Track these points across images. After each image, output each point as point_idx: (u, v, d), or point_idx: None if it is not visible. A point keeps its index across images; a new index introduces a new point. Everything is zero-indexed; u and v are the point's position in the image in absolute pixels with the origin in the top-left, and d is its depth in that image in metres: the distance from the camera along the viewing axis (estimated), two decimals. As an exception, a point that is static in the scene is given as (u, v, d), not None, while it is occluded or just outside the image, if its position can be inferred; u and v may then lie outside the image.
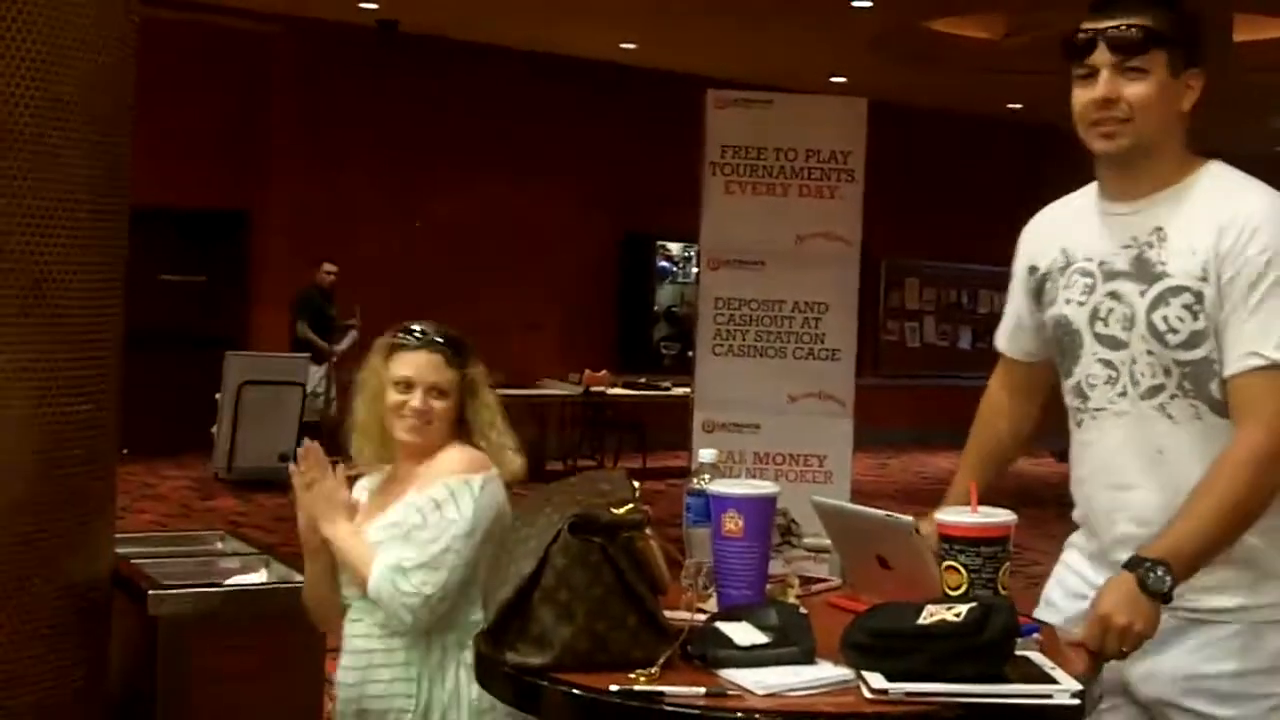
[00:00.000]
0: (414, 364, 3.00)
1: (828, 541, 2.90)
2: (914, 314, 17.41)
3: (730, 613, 2.38)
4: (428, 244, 13.60)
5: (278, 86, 13.21)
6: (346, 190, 13.30)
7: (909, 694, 2.06)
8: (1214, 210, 2.46)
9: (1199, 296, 2.43)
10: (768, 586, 2.59)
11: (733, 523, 2.52)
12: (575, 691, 2.15)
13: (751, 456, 7.66)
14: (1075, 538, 2.75)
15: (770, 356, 7.98)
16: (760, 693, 2.09)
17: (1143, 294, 2.48)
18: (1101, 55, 2.48)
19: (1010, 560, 2.36)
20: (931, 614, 2.15)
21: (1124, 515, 2.55)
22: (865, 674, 2.11)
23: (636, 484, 2.48)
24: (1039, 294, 2.71)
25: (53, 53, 3.43)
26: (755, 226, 7.95)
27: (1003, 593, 2.33)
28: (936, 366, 16.93)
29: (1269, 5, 10.98)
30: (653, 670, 2.16)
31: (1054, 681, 2.13)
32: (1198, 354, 2.45)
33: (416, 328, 3.07)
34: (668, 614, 2.33)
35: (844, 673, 2.14)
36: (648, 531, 2.38)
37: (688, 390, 9.05)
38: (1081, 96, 2.53)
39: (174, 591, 3.75)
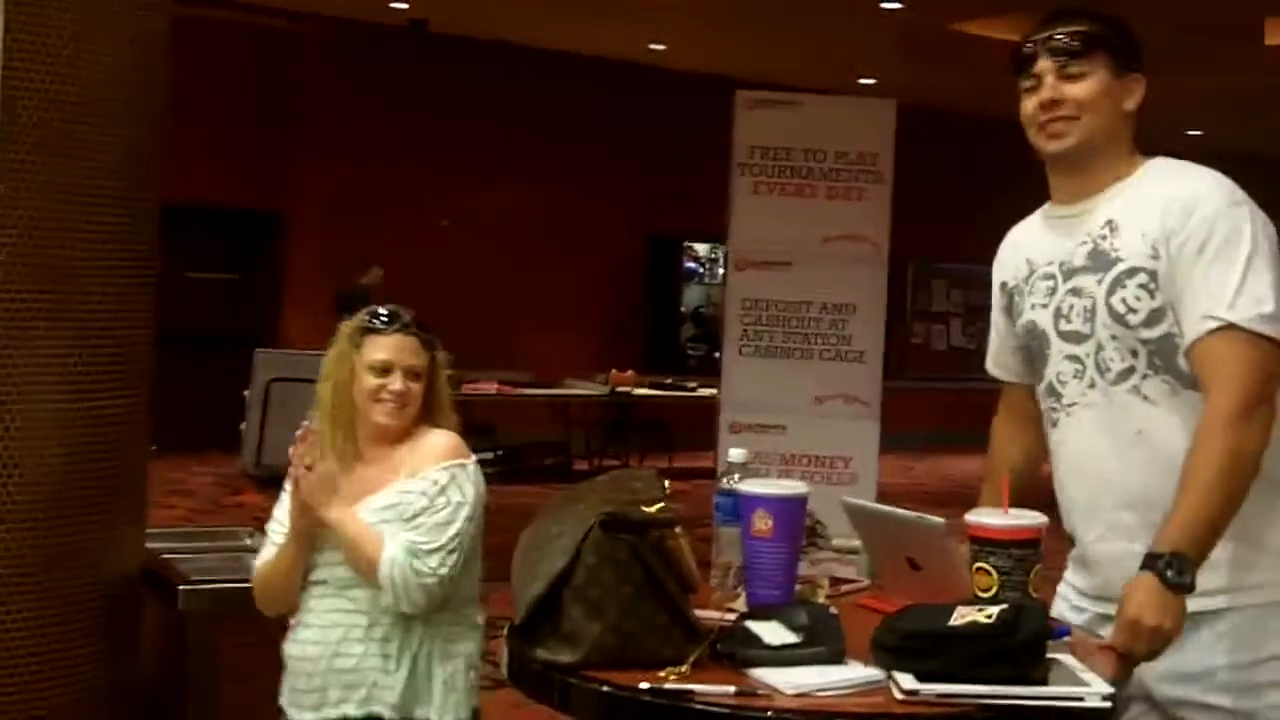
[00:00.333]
0: (391, 347, 3.04)
1: (855, 542, 2.90)
2: (941, 316, 17.36)
3: (760, 612, 2.38)
4: (456, 243, 13.62)
5: (309, 86, 13.26)
6: (377, 189, 13.33)
7: (940, 695, 2.05)
8: (1159, 193, 2.54)
9: (1153, 275, 2.49)
10: (797, 587, 2.59)
11: (763, 522, 2.52)
12: (605, 689, 2.15)
13: (778, 457, 7.65)
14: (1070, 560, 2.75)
15: (797, 358, 7.97)
16: (790, 692, 2.09)
17: (1100, 282, 2.55)
18: (1044, 63, 2.63)
19: (1041, 563, 2.36)
20: (963, 615, 2.14)
21: (1110, 502, 2.57)
22: (896, 675, 2.10)
23: (667, 483, 2.48)
24: (1010, 309, 2.80)
25: (84, 50, 3.45)
26: (783, 227, 7.94)
27: (1033, 595, 2.32)
28: (963, 369, 16.82)
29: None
30: (683, 669, 2.16)
31: (1085, 684, 2.12)
32: (1159, 330, 2.49)
33: (385, 312, 3.11)
34: (697, 613, 2.33)
35: (874, 673, 2.14)
36: (678, 530, 2.38)
37: (714, 391, 9.04)
38: (1028, 103, 2.67)
39: (203, 587, 3.77)
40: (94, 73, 3.47)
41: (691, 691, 2.09)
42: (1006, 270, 2.83)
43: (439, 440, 3.06)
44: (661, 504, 2.34)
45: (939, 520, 2.49)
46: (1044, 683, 2.09)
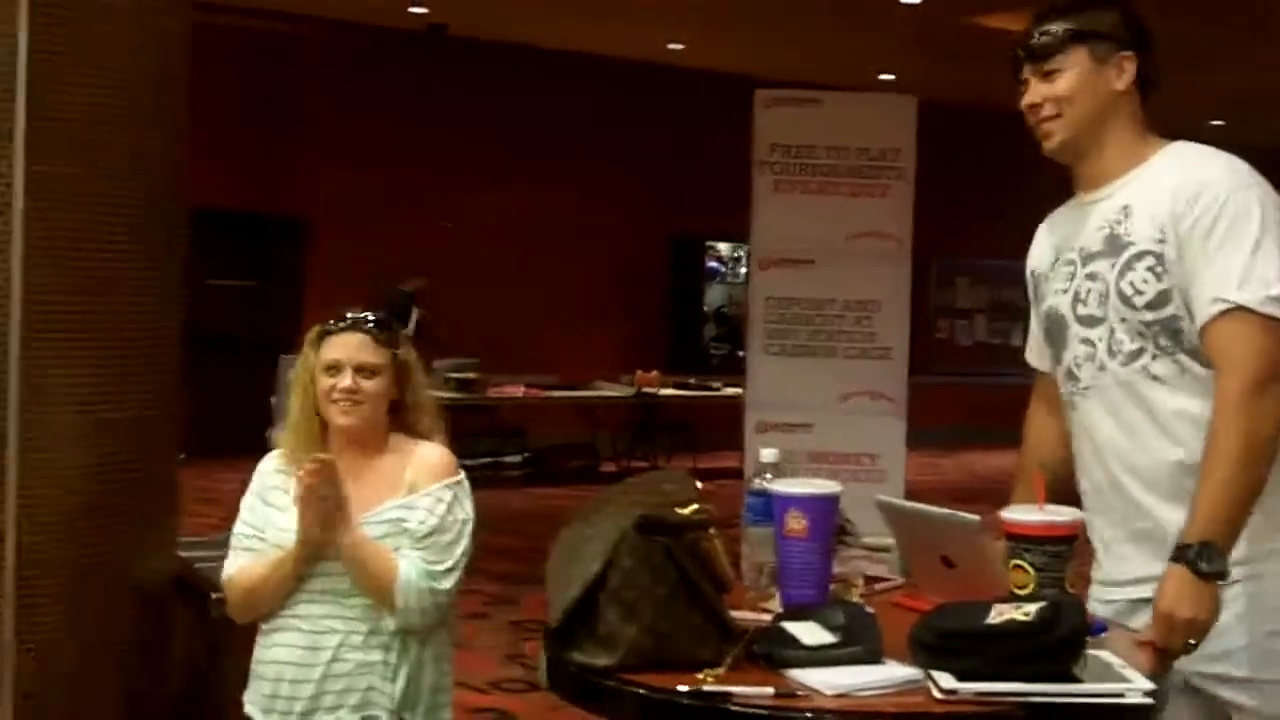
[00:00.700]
0: (341, 346, 3.03)
1: (887, 540, 2.89)
2: (965, 312, 17.31)
3: (796, 612, 2.37)
4: (477, 247, 13.64)
5: (327, 91, 13.29)
6: (396, 192, 13.36)
7: (979, 694, 2.04)
8: (1170, 178, 2.56)
9: (1160, 258, 2.51)
10: (831, 586, 2.58)
11: (796, 522, 2.51)
12: (642, 692, 2.14)
13: (804, 456, 7.63)
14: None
15: (822, 356, 7.95)
16: (829, 693, 2.08)
17: (1113, 266, 2.58)
18: (1026, 67, 2.69)
19: (1076, 559, 2.34)
20: (1000, 613, 2.13)
21: (1132, 482, 2.59)
22: (934, 674, 2.09)
23: (700, 484, 2.47)
24: (1039, 297, 2.83)
25: (108, 59, 3.47)
26: (805, 225, 7.92)
27: (1070, 591, 2.31)
28: (988, 364, 16.81)
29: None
30: (720, 670, 2.16)
31: (1126, 680, 2.11)
32: (1165, 313, 2.51)
33: (344, 313, 3.09)
34: (732, 614, 2.32)
35: (913, 672, 2.13)
36: (712, 531, 2.37)
37: (738, 391, 9.03)
38: (1023, 108, 2.72)
39: (236, 594, 3.76)
40: (117, 82, 3.48)
41: (730, 693, 2.08)
42: (1035, 259, 2.87)
43: (435, 455, 3.05)
44: (695, 505, 2.33)
45: (973, 517, 2.48)
46: (1084, 680, 2.08)
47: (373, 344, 3.03)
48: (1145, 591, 2.47)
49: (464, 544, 2.99)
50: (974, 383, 16.26)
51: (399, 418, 3.09)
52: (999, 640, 2.08)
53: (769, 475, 2.70)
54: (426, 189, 13.51)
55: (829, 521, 2.54)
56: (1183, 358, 2.51)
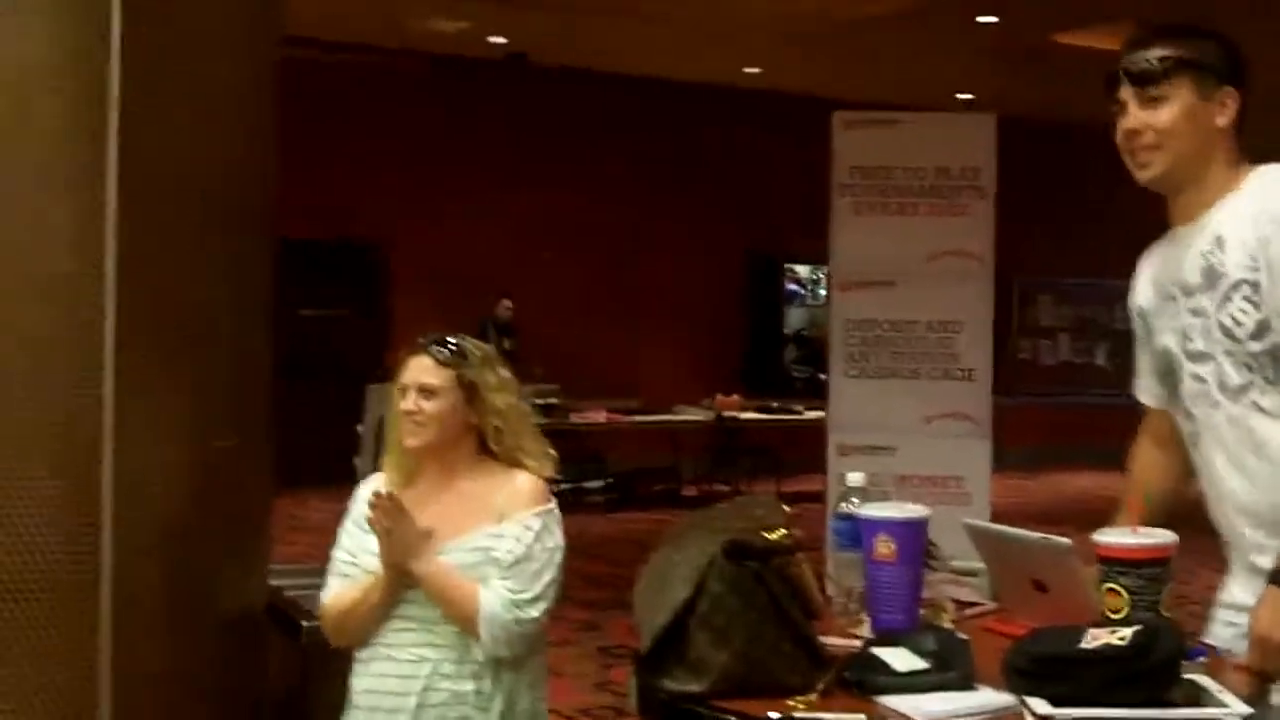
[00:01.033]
0: (409, 368, 3.06)
1: (976, 564, 2.87)
2: (1048, 331, 17.14)
3: (886, 637, 2.36)
4: (559, 273, 13.71)
5: (413, 121, 13.43)
6: (482, 220, 13.46)
7: None
8: (1254, 203, 2.51)
9: (1255, 286, 2.47)
10: (921, 611, 2.56)
11: (885, 547, 2.50)
12: (733, 718, 2.15)
13: (888, 479, 7.58)
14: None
15: (904, 377, 7.91)
16: (922, 719, 2.07)
17: (1212, 299, 2.54)
18: (1125, 89, 2.60)
19: (1172, 582, 2.32)
20: (1095, 638, 2.11)
21: (1237, 518, 2.56)
22: (1029, 699, 2.08)
23: (788, 508, 2.47)
24: (1148, 334, 2.78)
25: (202, 96, 3.53)
26: (885, 247, 7.89)
27: (1165, 615, 2.28)
28: (1072, 384, 16.64)
29: None
30: (811, 697, 2.15)
31: (1223, 705, 2.08)
32: (1267, 342, 2.46)
33: (421, 338, 3.12)
34: (821, 639, 2.32)
35: (1006, 698, 2.11)
36: (800, 556, 2.37)
37: (820, 414, 8.99)
38: (1117, 130, 2.65)
39: (327, 622, 3.80)
40: (209, 117, 3.55)
41: None
42: (1139, 296, 2.82)
43: (525, 483, 3.05)
44: (784, 530, 2.33)
45: (1065, 541, 2.46)
46: (1181, 705, 2.05)
47: (433, 365, 3.05)
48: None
49: (551, 573, 2.98)
50: (1058, 403, 16.10)
51: (488, 442, 3.09)
52: (1094, 665, 2.06)
53: (856, 499, 2.69)
54: (508, 216, 13.61)
55: (917, 545, 2.53)
56: None
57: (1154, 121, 2.57)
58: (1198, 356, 2.59)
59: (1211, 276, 2.54)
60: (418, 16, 11.85)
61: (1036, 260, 15.51)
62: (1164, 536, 2.33)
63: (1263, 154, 2.62)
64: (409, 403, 3.02)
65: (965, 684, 2.16)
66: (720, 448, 13.14)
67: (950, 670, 2.18)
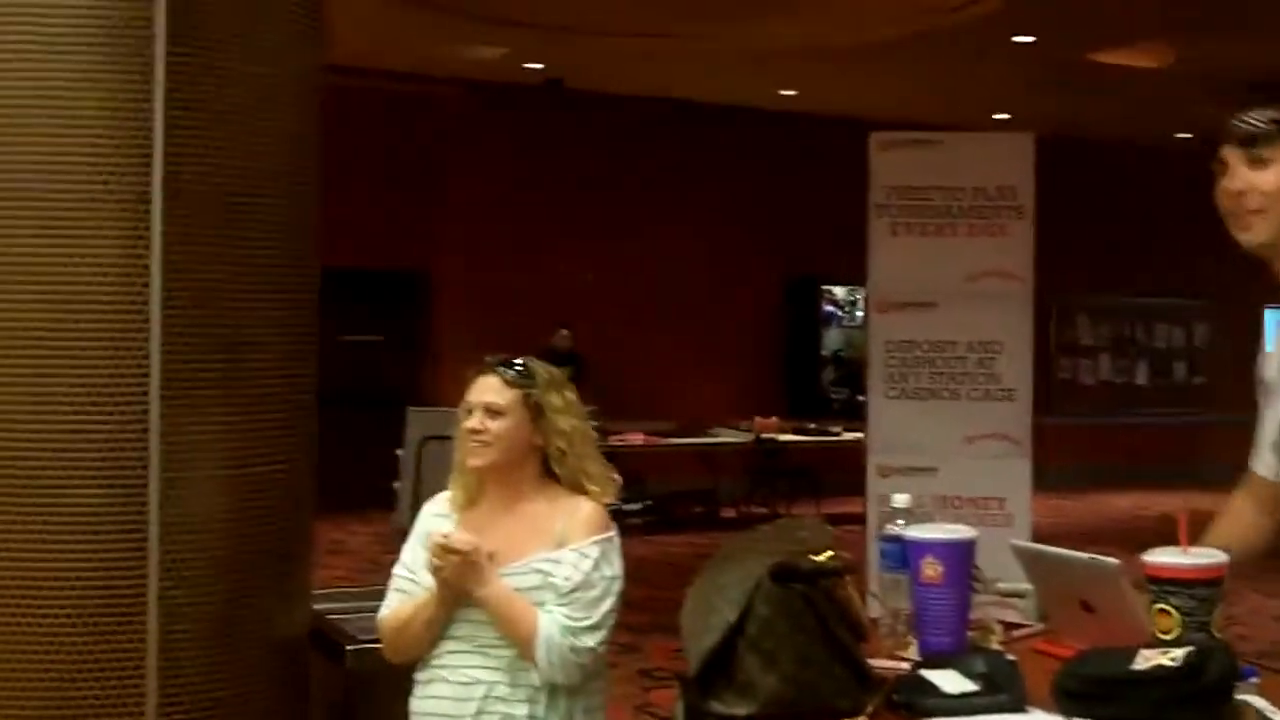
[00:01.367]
0: (475, 388, 3.07)
1: (1023, 586, 2.85)
2: (1088, 350, 17.05)
3: (934, 660, 2.35)
4: (597, 296, 13.74)
5: (447, 147, 13.50)
6: (517, 244, 13.51)
7: (1127, 741, 2.01)
8: None
9: None
10: (969, 633, 2.55)
11: (932, 569, 2.49)
12: (780, 741, 2.14)
13: (929, 500, 7.55)
14: None
15: (944, 398, 7.88)
16: (974, 741, 2.06)
17: None
18: (1230, 149, 2.54)
19: (1224, 602, 2.29)
20: (1147, 659, 2.09)
21: None
22: (1080, 721, 2.06)
23: (833, 530, 2.46)
24: (1270, 406, 2.68)
25: (247, 124, 3.56)
26: (924, 267, 7.87)
27: (1217, 636, 2.26)
28: (1113, 403, 16.54)
29: None
30: (860, 719, 2.14)
31: (1278, 726, 2.06)
32: None
33: (489, 358, 3.12)
34: (872, 661, 2.31)
35: (1057, 720, 2.10)
36: (847, 578, 2.36)
37: (858, 435, 8.97)
38: (1218, 190, 2.58)
39: (370, 646, 3.80)
40: (252, 145, 3.58)
41: (871, 742, 2.07)
42: (1264, 367, 2.72)
43: (586, 509, 3.04)
44: (830, 552, 2.33)
45: (1113, 561, 2.44)
46: (1236, 726, 2.04)
47: (500, 385, 3.05)
48: None
49: (610, 602, 2.97)
50: (1099, 422, 16.01)
51: (551, 465, 3.09)
52: (1146, 686, 2.04)
53: (902, 521, 2.68)
54: (547, 241, 13.66)
55: (965, 567, 2.52)
56: None
57: (1260, 183, 2.50)
58: None
59: None
60: (456, 44, 11.92)
61: (1075, 279, 15.44)
62: (1216, 557, 2.31)
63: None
64: (474, 422, 3.03)
65: (1017, 706, 2.14)
66: (759, 469, 13.12)
67: (1001, 692, 2.17)
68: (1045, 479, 8.83)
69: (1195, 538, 2.63)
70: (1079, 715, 2.08)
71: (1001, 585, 2.90)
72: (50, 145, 3.36)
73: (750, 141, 14.57)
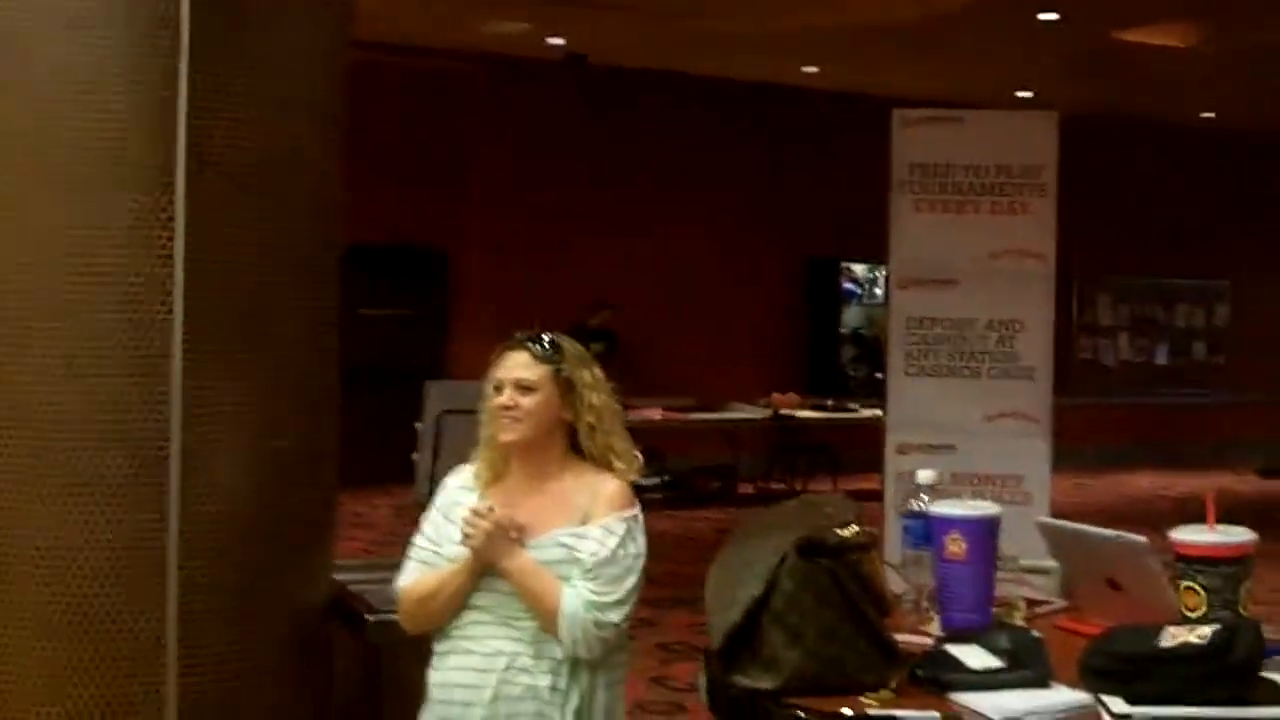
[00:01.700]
0: (505, 364, 3.06)
1: (1046, 563, 2.85)
2: (1109, 330, 16.98)
3: (959, 635, 2.35)
4: (618, 272, 13.71)
5: (471, 123, 13.47)
6: (539, 221, 13.49)
7: (1154, 718, 2.00)
8: None
9: None
10: (993, 609, 2.55)
11: (956, 545, 2.49)
12: (805, 715, 2.14)
13: (947, 478, 7.51)
14: None
15: (964, 376, 7.84)
16: (997, 717, 2.06)
17: None
18: None
19: (1250, 580, 2.29)
20: (1174, 636, 2.09)
21: None
22: (1105, 698, 2.06)
23: (858, 505, 2.46)
24: None
25: (274, 100, 3.55)
26: (945, 245, 7.82)
27: (1244, 613, 2.26)
28: (1133, 383, 16.48)
29: None
30: (884, 693, 2.14)
31: (1305, 705, 2.06)
32: None
33: (518, 333, 3.11)
34: (897, 636, 2.31)
35: (1083, 697, 2.10)
36: (873, 553, 2.36)
37: (877, 412, 8.95)
38: None
39: (391, 617, 3.81)
40: (277, 120, 3.57)
41: (895, 717, 2.07)
42: None
43: (611, 487, 3.03)
44: (856, 527, 2.33)
45: (1141, 539, 2.43)
46: (1262, 703, 2.03)
47: (531, 360, 3.05)
48: None
49: (634, 578, 2.96)
50: (1119, 401, 15.96)
51: (578, 440, 3.08)
52: (1173, 664, 2.04)
53: (925, 497, 2.68)
54: (566, 216, 13.63)
55: (989, 544, 2.52)
56: None
57: None
58: None
59: None
60: (478, 19, 11.89)
61: (1097, 259, 15.38)
62: (1243, 535, 2.31)
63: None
64: (505, 398, 3.03)
65: (1042, 682, 2.14)
66: (777, 446, 13.11)
67: (1026, 668, 2.17)
68: (1065, 458, 8.80)
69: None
70: (1106, 692, 2.08)
71: (1024, 562, 2.90)
72: (75, 118, 3.36)
73: (773, 118, 14.51)
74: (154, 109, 3.36)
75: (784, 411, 12.70)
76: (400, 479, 11.70)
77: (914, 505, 2.68)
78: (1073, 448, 11.36)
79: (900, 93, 11.38)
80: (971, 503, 2.58)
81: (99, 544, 3.36)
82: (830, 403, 13.24)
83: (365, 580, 4.33)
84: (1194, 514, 2.45)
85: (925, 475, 2.77)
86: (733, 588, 2.29)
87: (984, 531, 2.49)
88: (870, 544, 2.35)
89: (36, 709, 3.38)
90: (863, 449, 10.36)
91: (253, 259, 3.53)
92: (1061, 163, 7.80)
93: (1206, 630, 2.07)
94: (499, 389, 3.04)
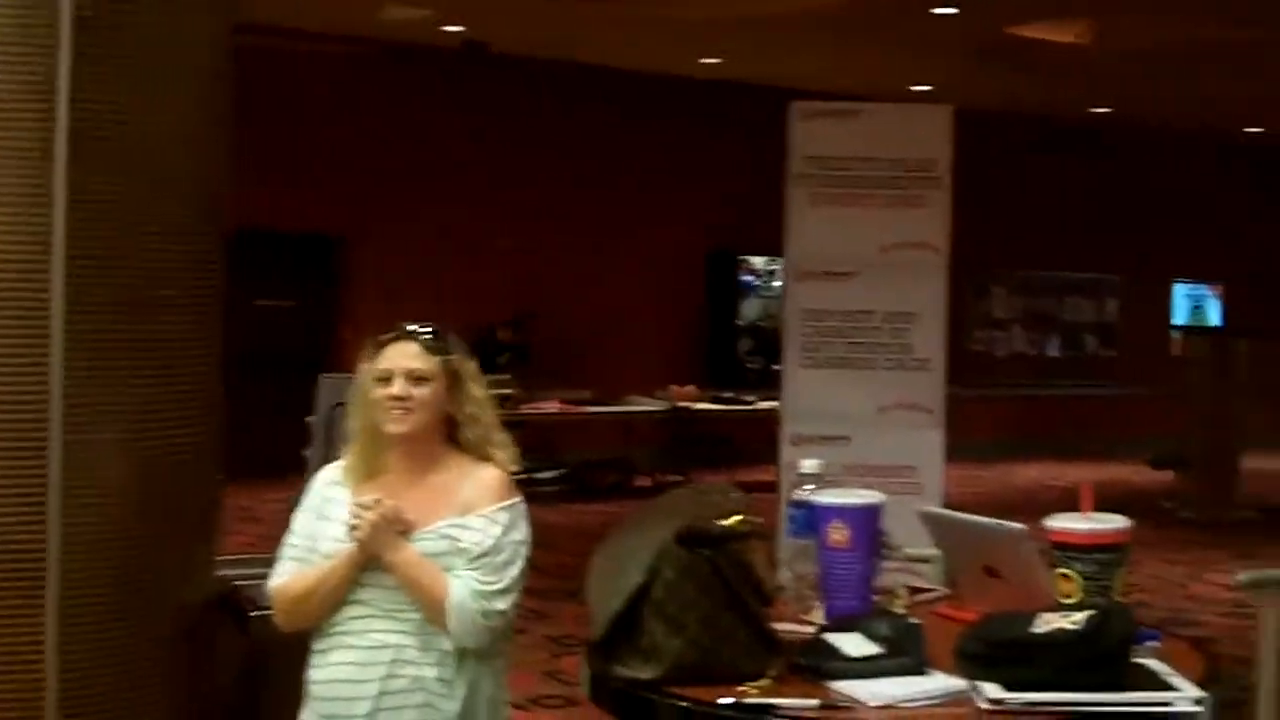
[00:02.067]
0: (392, 355, 3.02)
1: (930, 551, 2.87)
2: (1002, 322, 17.23)
3: (839, 624, 2.36)
4: (515, 264, 13.67)
5: (373, 111, 13.34)
6: (436, 211, 13.40)
7: (1026, 704, 2.03)
8: None
9: None
10: (875, 597, 2.56)
11: (838, 533, 2.51)
12: (686, 705, 2.14)
13: (841, 469, 7.56)
14: None
15: (859, 368, 7.90)
16: (874, 704, 2.07)
17: None
18: None
19: (1126, 567, 2.32)
20: (1048, 622, 2.12)
21: None
22: (981, 684, 2.08)
23: (746, 495, 2.46)
24: None
25: (153, 82, 3.49)
26: (842, 237, 7.88)
27: (1119, 600, 2.29)
28: (1025, 375, 16.73)
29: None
30: (764, 682, 2.15)
31: (1174, 689, 2.09)
32: None
33: (404, 324, 3.09)
34: (776, 625, 2.31)
35: (959, 683, 2.12)
36: (756, 543, 2.36)
37: (775, 404, 8.99)
38: None
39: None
40: (161, 102, 3.50)
41: (774, 705, 2.08)
42: None
43: (492, 476, 3.02)
44: (740, 516, 2.33)
45: (1019, 527, 2.46)
46: (1133, 689, 2.06)
47: (422, 351, 3.03)
48: None
49: (519, 566, 2.95)
50: (1011, 394, 16.18)
51: (455, 432, 3.07)
52: (1046, 650, 2.07)
53: (811, 486, 2.69)
54: (465, 208, 13.54)
55: (871, 532, 2.53)
56: None
57: None
58: None
59: None
60: (377, 4, 11.78)
61: (991, 252, 15.57)
62: (1118, 522, 2.34)
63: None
64: (398, 389, 2.99)
65: (917, 668, 2.16)
66: (675, 438, 13.14)
67: (903, 655, 2.18)
68: (958, 449, 8.89)
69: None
70: (981, 678, 2.10)
71: (909, 550, 2.92)
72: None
73: (674, 109, 14.53)
74: (34, 90, 3.28)
75: (681, 404, 12.73)
76: (291, 472, 11.52)
77: (798, 494, 2.69)
78: (966, 439, 11.51)
79: (800, 85, 11.46)
80: (854, 491, 2.59)
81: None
82: (728, 395, 13.29)
83: (252, 576, 4.27)
84: (1078, 504, 2.49)
85: (810, 464, 2.78)
86: (614, 578, 2.28)
87: (866, 520, 2.51)
88: (754, 533, 2.35)
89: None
90: (760, 441, 10.41)
91: (135, 247, 3.47)
92: (957, 156, 7.89)
93: (1080, 616, 2.10)
94: (386, 380, 3.01)
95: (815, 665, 2.18)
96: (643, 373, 13.71)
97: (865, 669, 2.15)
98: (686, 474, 12.67)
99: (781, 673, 2.18)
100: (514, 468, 3.06)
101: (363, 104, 13.30)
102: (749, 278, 15.87)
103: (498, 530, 2.94)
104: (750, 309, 15.82)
